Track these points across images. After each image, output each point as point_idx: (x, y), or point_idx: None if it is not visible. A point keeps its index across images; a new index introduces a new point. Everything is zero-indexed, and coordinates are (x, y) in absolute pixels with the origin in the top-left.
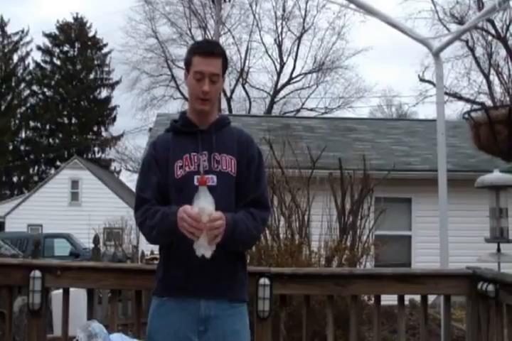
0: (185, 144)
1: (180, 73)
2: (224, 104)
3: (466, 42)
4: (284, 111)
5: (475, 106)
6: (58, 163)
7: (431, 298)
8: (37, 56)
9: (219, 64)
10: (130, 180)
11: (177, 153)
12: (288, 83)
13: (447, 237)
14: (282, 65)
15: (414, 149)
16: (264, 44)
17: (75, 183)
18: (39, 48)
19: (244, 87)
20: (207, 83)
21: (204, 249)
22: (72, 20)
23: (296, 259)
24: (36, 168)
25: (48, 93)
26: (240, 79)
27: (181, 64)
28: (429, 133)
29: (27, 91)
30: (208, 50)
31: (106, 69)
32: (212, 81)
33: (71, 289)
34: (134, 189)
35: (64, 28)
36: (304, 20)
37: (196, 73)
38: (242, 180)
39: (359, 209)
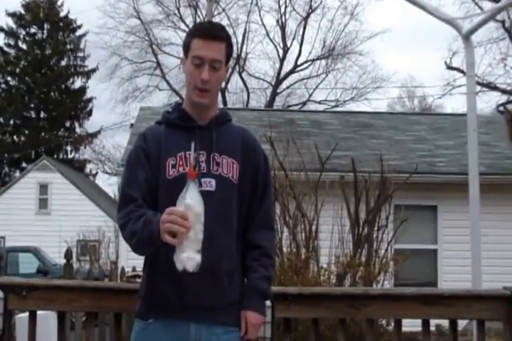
0: (180, 140)
1: (166, 59)
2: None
3: (502, 22)
4: (287, 103)
5: None
6: (24, 165)
7: (461, 323)
8: None
9: (222, 49)
10: (108, 184)
11: (170, 149)
12: (292, 71)
13: (480, 252)
14: (286, 50)
15: (440, 148)
16: (264, 26)
17: (43, 188)
18: (1, 30)
19: (241, 76)
20: (206, 70)
21: (186, 258)
22: None
23: (302, 277)
24: None
25: (12, 82)
26: (237, 67)
27: (168, 49)
28: (457, 130)
29: None
30: (210, 32)
31: (80, 54)
32: (214, 68)
33: (38, 312)
34: (112, 194)
35: (31, 6)
36: None
37: (195, 58)
38: (244, 191)
39: (375, 219)
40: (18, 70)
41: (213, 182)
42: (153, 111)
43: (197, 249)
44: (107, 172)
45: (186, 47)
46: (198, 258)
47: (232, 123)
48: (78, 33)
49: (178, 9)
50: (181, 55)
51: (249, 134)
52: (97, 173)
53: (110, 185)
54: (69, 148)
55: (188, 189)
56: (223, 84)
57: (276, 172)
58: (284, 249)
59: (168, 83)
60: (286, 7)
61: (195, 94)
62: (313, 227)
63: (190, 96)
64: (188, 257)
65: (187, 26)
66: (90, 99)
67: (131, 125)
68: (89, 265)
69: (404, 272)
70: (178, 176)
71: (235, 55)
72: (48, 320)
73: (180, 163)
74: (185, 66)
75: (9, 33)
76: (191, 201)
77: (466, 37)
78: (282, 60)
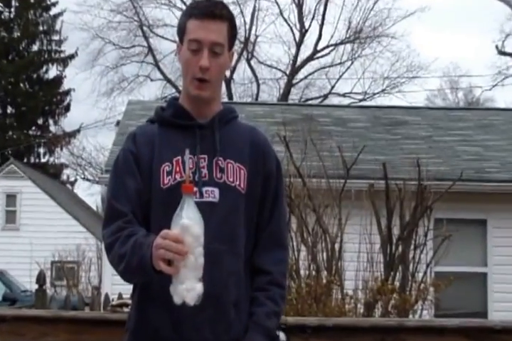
0: (177, 142)
1: (160, 44)
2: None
3: None
4: (305, 97)
5: None
6: None
7: None
8: None
9: (223, 30)
10: (89, 193)
11: (165, 152)
12: (311, 58)
13: None
14: (303, 32)
15: (490, 150)
16: (277, 3)
17: (11, 198)
18: None
19: (249, 64)
20: (206, 55)
21: (186, 290)
22: None
23: (324, 305)
24: None
25: None
26: (244, 53)
27: (162, 31)
28: (511, 129)
29: None
30: (208, 10)
31: (56, 37)
32: (214, 53)
33: None
34: (94, 206)
35: None
36: None
37: (192, 42)
38: (253, 202)
39: (412, 236)
40: None
41: (216, 191)
42: (143, 106)
43: (198, 277)
44: (87, 180)
45: (181, 30)
46: (199, 288)
47: (239, 120)
48: (53, 11)
49: None
50: (177, 39)
51: (259, 134)
52: (75, 181)
53: (91, 194)
54: (42, 150)
55: (183, 206)
56: (228, 74)
57: (292, 179)
58: (302, 272)
59: (161, 72)
60: None
61: (193, 85)
62: (337, 246)
63: (187, 88)
64: (188, 288)
65: (184, 3)
66: (68, 92)
67: (118, 122)
68: (66, 291)
69: (446, 300)
70: (175, 185)
71: (242, 38)
72: None
73: (177, 169)
74: (181, 53)
75: None
76: (188, 221)
77: None
78: (299, 45)
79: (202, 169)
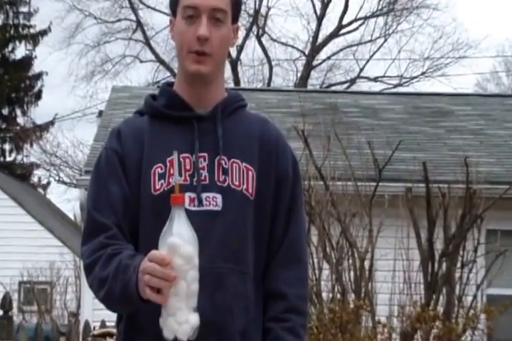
0: (172, 138)
1: (151, 17)
2: (226, 72)
3: None
4: (328, 82)
5: None
6: None
7: None
8: None
9: None
10: (66, 199)
11: (157, 151)
12: (335, 35)
13: None
14: (326, 3)
15: None
16: None
17: None
18: None
19: (260, 42)
20: (205, 22)
21: (177, 323)
22: None
23: (351, 336)
24: None
25: None
26: (254, 29)
27: (152, 2)
28: None
29: None
30: None
31: (24, 9)
32: (216, 20)
33: None
34: (71, 214)
35: None
36: None
37: (187, 8)
38: (264, 211)
39: (458, 251)
40: None
41: (219, 198)
42: (131, 94)
43: (191, 306)
44: (63, 183)
45: (174, 0)
46: (193, 320)
47: (248, 110)
48: None
49: None
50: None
51: (271, 127)
52: (48, 184)
53: (68, 200)
54: (7, 146)
55: (173, 220)
56: (233, 53)
57: (312, 182)
58: (324, 295)
59: (153, 52)
60: None
61: (189, 59)
62: (367, 263)
63: (183, 65)
64: (180, 321)
65: None
66: (39, 75)
67: (100, 113)
68: (37, 318)
69: (501, 329)
70: (169, 191)
71: (251, 10)
72: None
73: (172, 171)
74: (175, 26)
75: None
76: (177, 239)
77: None
78: (320, 19)
79: (201, 170)
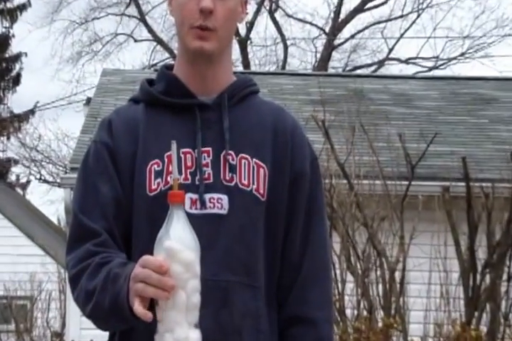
0: (171, 130)
1: None
2: (234, 53)
3: None
4: (353, 64)
5: None
6: None
7: None
8: None
9: None
10: (49, 200)
11: (153, 145)
12: (361, 10)
13: None
14: None
15: None
16: None
17: None
18: None
19: (273, 18)
20: None
21: (173, 340)
22: None
23: None
24: None
25: None
26: (266, 3)
27: None
28: None
29: None
30: None
31: None
32: None
33: None
34: (55, 218)
35: None
36: None
37: None
38: (278, 214)
39: (504, 261)
40: None
41: (225, 199)
42: (123, 78)
43: (192, 321)
44: (45, 181)
45: None
46: (195, 338)
47: (260, 97)
48: None
49: None
50: None
51: (287, 117)
52: (28, 182)
53: (51, 202)
54: None
55: (171, 221)
56: (242, 30)
57: (334, 180)
58: (348, 312)
59: (149, 30)
60: None
61: (191, 35)
62: (398, 275)
63: (184, 43)
64: (178, 338)
65: None
66: (17, 57)
67: (88, 100)
68: (15, 339)
69: None
70: (166, 192)
71: None
72: None
73: (170, 168)
74: (174, 0)
75: None
76: (175, 243)
77: None
78: None
79: (204, 168)
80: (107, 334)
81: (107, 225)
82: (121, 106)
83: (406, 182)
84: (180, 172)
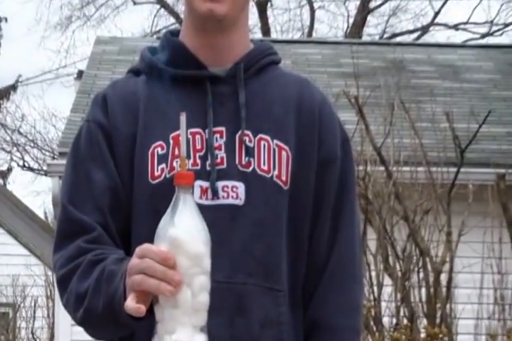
0: (177, 106)
1: None
2: (251, 17)
3: None
4: (391, 31)
5: None
6: None
7: None
8: None
9: None
10: (33, 191)
11: (156, 124)
12: None
13: None
14: None
15: None
16: None
17: None
18: None
19: None
20: None
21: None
22: None
23: None
24: None
25: None
26: None
27: None
28: None
29: None
30: None
31: None
32: None
33: None
34: (41, 212)
35: None
36: None
37: None
38: (303, 206)
39: None
40: None
41: (241, 188)
42: (121, 47)
43: (198, 324)
44: (30, 169)
45: None
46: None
47: (282, 69)
48: None
49: None
50: None
51: (314, 92)
52: (10, 170)
53: (37, 193)
54: None
55: (176, 207)
56: None
57: (370, 167)
58: (386, 320)
59: None
60: None
61: None
62: (444, 277)
63: (192, 5)
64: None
65: None
66: None
67: (79, 74)
68: None
69: None
70: (172, 179)
71: None
72: None
73: (176, 152)
74: None
75: None
76: (181, 232)
77: None
78: None
79: (217, 151)
80: None
81: (101, 219)
82: (118, 78)
83: (454, 169)
84: (188, 157)
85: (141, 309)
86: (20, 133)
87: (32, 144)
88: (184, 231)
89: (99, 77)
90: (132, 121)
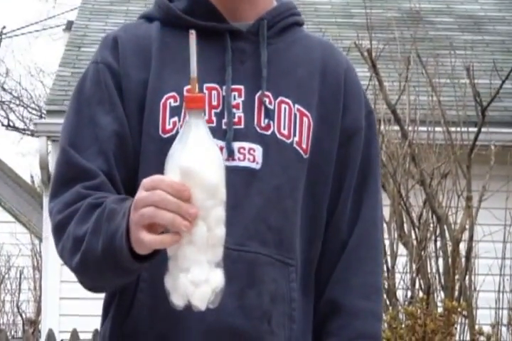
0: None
1: None
2: None
3: None
4: None
5: None
6: None
7: None
8: None
9: None
10: (19, 153)
11: (170, 74)
12: None
13: None
14: None
15: None
16: None
17: None
18: None
19: None
20: None
21: (191, 283)
22: None
23: None
24: None
25: None
26: None
27: None
28: None
29: None
30: None
31: None
32: None
33: None
34: (27, 175)
35: None
36: None
37: None
38: (323, 176)
39: None
40: None
41: (259, 150)
42: None
43: (214, 260)
44: (15, 128)
45: None
46: (216, 280)
47: (305, 31)
48: None
49: None
50: None
51: (339, 56)
52: None
53: (23, 155)
54: None
55: (187, 133)
56: None
57: (384, 127)
58: (400, 293)
59: None
60: None
61: None
62: (463, 247)
63: None
64: (196, 280)
65: None
66: None
67: (69, 25)
68: None
69: None
70: None
71: None
72: None
73: None
74: None
75: None
76: (194, 161)
77: None
78: None
79: (234, 109)
80: (91, 321)
81: (105, 166)
82: (129, 23)
83: (475, 129)
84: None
85: (167, 239)
86: (4, 89)
87: (17, 102)
88: (197, 160)
89: (90, 28)
90: (144, 66)
